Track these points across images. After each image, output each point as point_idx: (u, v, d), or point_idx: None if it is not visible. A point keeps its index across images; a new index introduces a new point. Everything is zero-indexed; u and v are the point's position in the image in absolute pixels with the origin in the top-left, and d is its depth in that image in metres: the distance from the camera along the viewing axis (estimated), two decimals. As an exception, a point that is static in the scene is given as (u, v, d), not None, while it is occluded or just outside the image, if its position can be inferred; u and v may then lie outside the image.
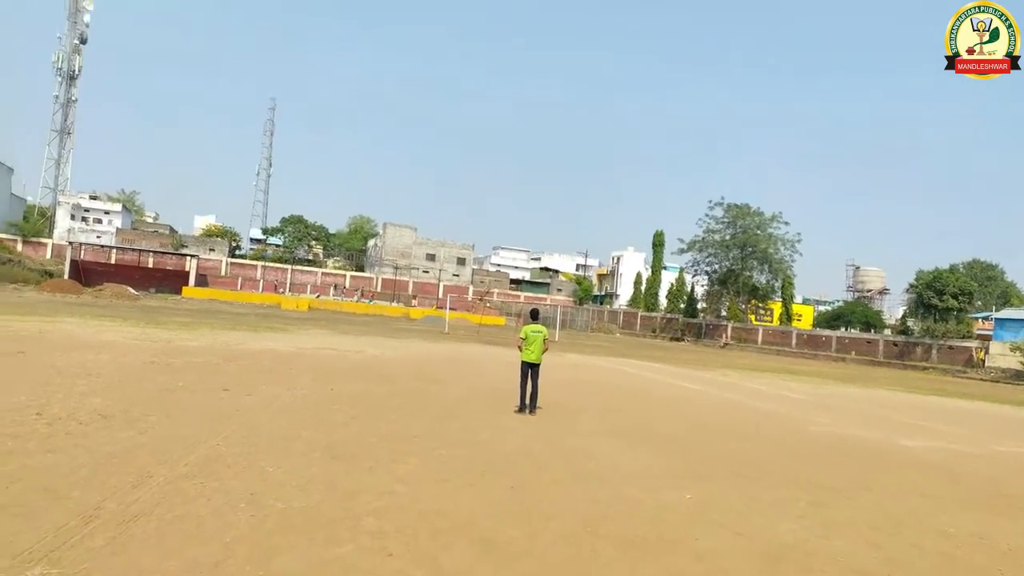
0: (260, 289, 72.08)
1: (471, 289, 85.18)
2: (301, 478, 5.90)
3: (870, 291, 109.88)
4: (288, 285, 74.84)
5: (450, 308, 51.68)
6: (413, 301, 74.22)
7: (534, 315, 11.54)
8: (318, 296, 69.12)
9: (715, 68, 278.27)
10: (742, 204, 66.77)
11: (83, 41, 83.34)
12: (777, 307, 75.84)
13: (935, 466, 9.51)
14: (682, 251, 70.99)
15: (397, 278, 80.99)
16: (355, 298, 71.57)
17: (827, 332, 61.74)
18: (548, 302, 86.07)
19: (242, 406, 9.24)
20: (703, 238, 68.48)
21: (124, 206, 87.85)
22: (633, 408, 13.21)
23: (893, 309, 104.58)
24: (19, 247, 67.85)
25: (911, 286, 58.98)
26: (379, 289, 79.43)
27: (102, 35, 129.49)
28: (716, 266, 69.38)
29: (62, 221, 79.30)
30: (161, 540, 4.22)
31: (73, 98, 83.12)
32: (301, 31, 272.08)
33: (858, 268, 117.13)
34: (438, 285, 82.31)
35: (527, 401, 10.79)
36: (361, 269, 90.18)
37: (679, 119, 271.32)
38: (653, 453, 8.56)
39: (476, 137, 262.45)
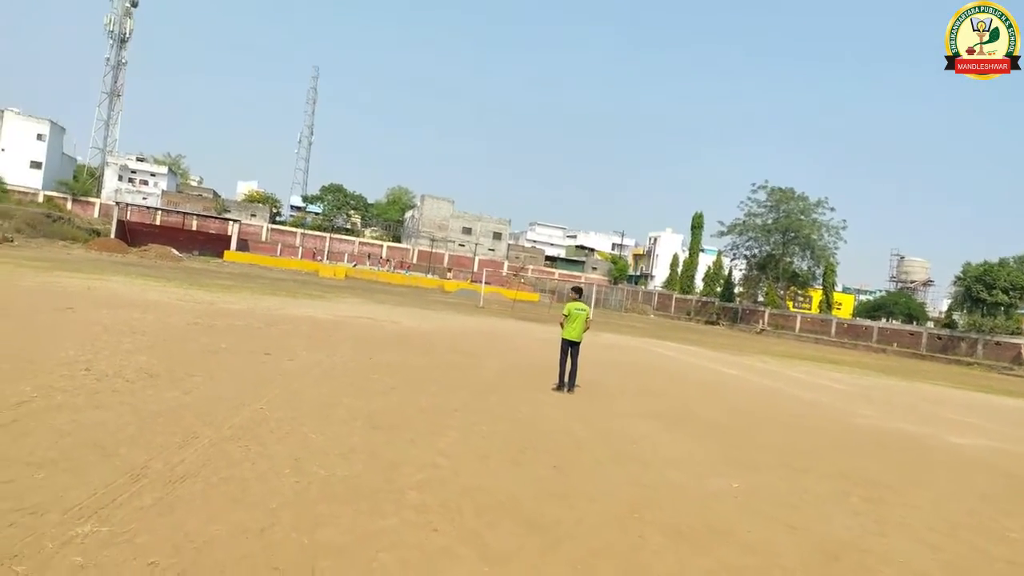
0: (299, 256, 73.06)
1: (506, 264, 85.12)
2: (343, 446, 5.87)
3: (914, 282, 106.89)
4: (326, 253, 75.67)
5: (485, 282, 51.71)
6: (448, 274, 74.44)
7: (578, 292, 11.28)
8: (355, 265, 69.80)
9: (764, 54, 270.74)
10: (786, 188, 65.15)
11: (134, 4, 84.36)
12: (816, 295, 74.23)
13: (989, 466, 9.12)
14: (722, 234, 69.75)
15: (433, 250, 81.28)
16: (388, 268, 72.07)
17: (868, 322, 60.23)
18: (583, 280, 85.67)
19: (284, 371, 9.28)
20: (744, 221, 67.11)
21: (170, 169, 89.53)
22: (671, 391, 12.99)
23: (937, 302, 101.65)
24: (69, 205, 69.75)
25: (959, 278, 57.07)
26: (415, 261, 79.86)
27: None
28: (756, 250, 68.05)
29: (110, 181, 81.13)
30: (207, 502, 4.20)
31: (123, 60, 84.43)
32: (348, 3, 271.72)
33: (902, 258, 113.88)
34: (473, 259, 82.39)
35: (566, 379, 10.63)
36: (398, 240, 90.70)
37: (725, 102, 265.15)
38: (694, 438, 8.36)
39: (517, 113, 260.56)
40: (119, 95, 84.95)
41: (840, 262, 67.46)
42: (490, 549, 4.05)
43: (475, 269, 78.43)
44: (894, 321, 67.48)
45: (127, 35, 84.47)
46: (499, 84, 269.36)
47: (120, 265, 33.35)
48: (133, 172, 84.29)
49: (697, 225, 76.66)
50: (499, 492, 5.19)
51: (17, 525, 3.54)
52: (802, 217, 63.66)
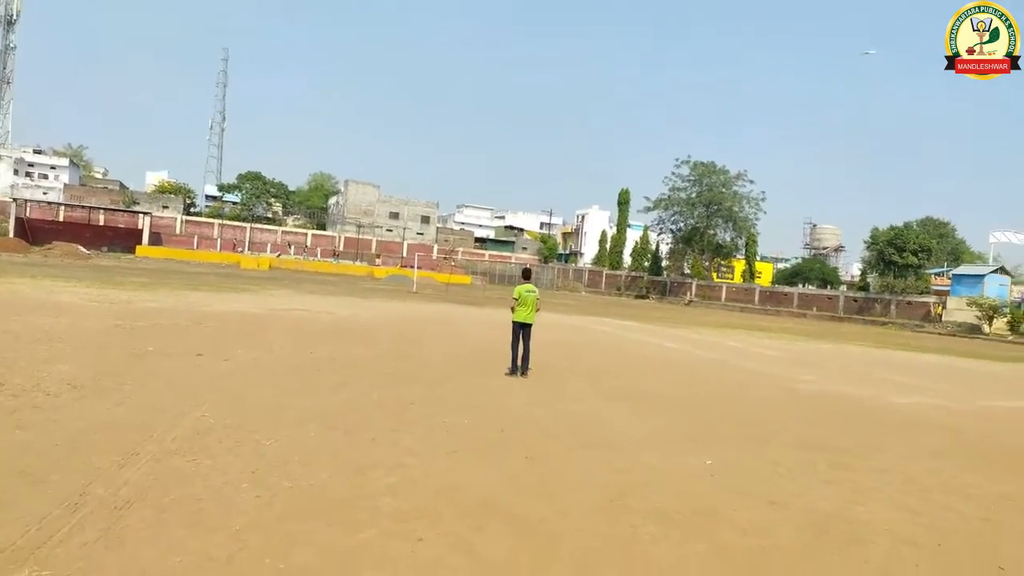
0: (218, 248, 70.00)
1: (436, 248, 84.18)
2: (302, 452, 5.45)
3: (826, 248, 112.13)
4: (247, 244, 72.79)
5: (416, 267, 50.91)
6: (377, 260, 73.03)
7: (526, 275, 11.09)
8: (279, 255, 67.47)
9: (682, 33, 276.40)
10: (708, 162, 66.91)
11: (18, -17, 78.12)
12: (739, 265, 76.91)
13: (934, 424, 9.49)
14: (648, 209, 71.07)
15: (360, 236, 79.42)
16: (297, 255, 70.02)
17: (788, 289, 62.92)
18: (513, 260, 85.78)
19: (221, 372, 8.68)
20: (669, 196, 68.60)
21: (71, 161, 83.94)
22: (620, 369, 13.00)
23: (849, 266, 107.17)
24: (-43, 204, 64.37)
25: (869, 243, 60.21)
26: (342, 248, 77.83)
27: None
28: (681, 224, 69.76)
29: (4, 176, 75.27)
30: (161, 530, 3.75)
31: (11, 44, 78.33)
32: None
33: (815, 226, 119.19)
34: (402, 244, 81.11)
35: (519, 363, 10.43)
36: (323, 227, 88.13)
37: (645, 80, 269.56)
38: (656, 416, 8.32)
39: (439, 92, 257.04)
40: (8, 82, 78.94)
41: (760, 232, 70.02)
42: (483, 557, 3.78)
43: (404, 254, 77.21)
44: (810, 287, 70.71)
45: (15, 16, 78.30)
46: (419, 61, 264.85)
47: (23, 266, 30.96)
48: (31, 166, 78.51)
49: (623, 201, 77.82)
50: (475, 489, 4.92)
51: (-63, 579, 3.03)
52: (724, 190, 65.61)
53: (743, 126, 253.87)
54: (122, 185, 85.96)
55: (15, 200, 61.34)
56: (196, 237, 71.55)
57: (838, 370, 15.87)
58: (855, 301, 55.15)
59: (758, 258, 77.15)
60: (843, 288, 72.57)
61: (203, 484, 4.53)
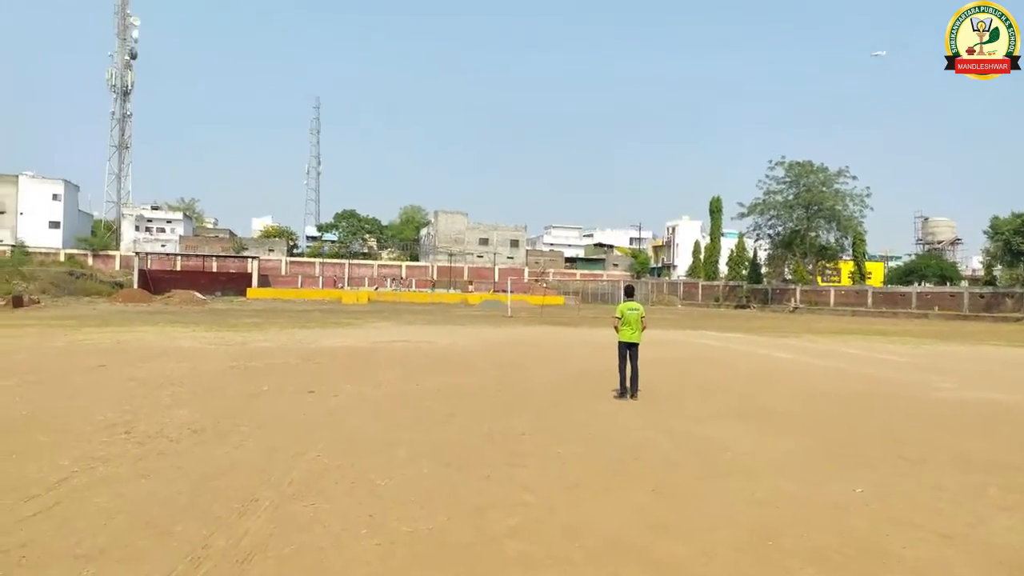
0: (320, 285, 73.03)
1: (526, 271, 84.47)
2: (417, 491, 5.25)
3: (941, 242, 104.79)
4: (346, 279, 75.58)
5: (508, 291, 51.09)
6: (470, 287, 73.98)
7: (629, 292, 10.63)
8: (376, 288, 69.57)
9: (758, 33, 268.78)
10: (804, 161, 63.82)
11: (133, 57, 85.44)
12: (845, 266, 72.74)
13: (1110, 432, 8.28)
14: (742, 215, 68.45)
15: (452, 265, 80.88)
16: (394, 287, 71.73)
17: (904, 288, 58.67)
18: (605, 278, 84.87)
19: (332, 409, 8.72)
20: (764, 200, 65.85)
21: (185, 214, 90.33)
22: (732, 384, 12.24)
23: (968, 260, 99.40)
24: (90, 261, 70.33)
25: (993, 232, 55.42)
26: (435, 277, 79.48)
27: (149, 48, 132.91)
28: (779, 228, 66.69)
29: (127, 233, 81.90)
30: (285, 585, 3.60)
31: (128, 113, 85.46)
32: (331, 29, 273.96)
33: (927, 219, 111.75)
34: (493, 269, 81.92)
35: (627, 384, 9.96)
36: (416, 258, 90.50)
37: (728, 84, 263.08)
38: (784, 436, 7.64)
39: (517, 118, 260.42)
40: (127, 147, 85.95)
41: (867, 231, 65.97)
42: (625, 610, 3.40)
43: (496, 279, 77.95)
44: (928, 284, 65.78)
45: (129, 87, 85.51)
46: (495, 89, 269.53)
47: (147, 315, 33.21)
48: (149, 221, 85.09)
49: (715, 210, 75.45)
50: (603, 529, 4.54)
51: (70, 645, 2.97)
52: (824, 189, 62.29)
53: (834, 123, 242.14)
54: (231, 233, 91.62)
55: (137, 254, 66.45)
56: (300, 276, 75.02)
57: (979, 374, 14.38)
58: (982, 297, 50.69)
59: (867, 258, 72.74)
60: (965, 284, 67.18)
61: (322, 531, 4.39)
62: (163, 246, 78.29)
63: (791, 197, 64.16)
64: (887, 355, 18.51)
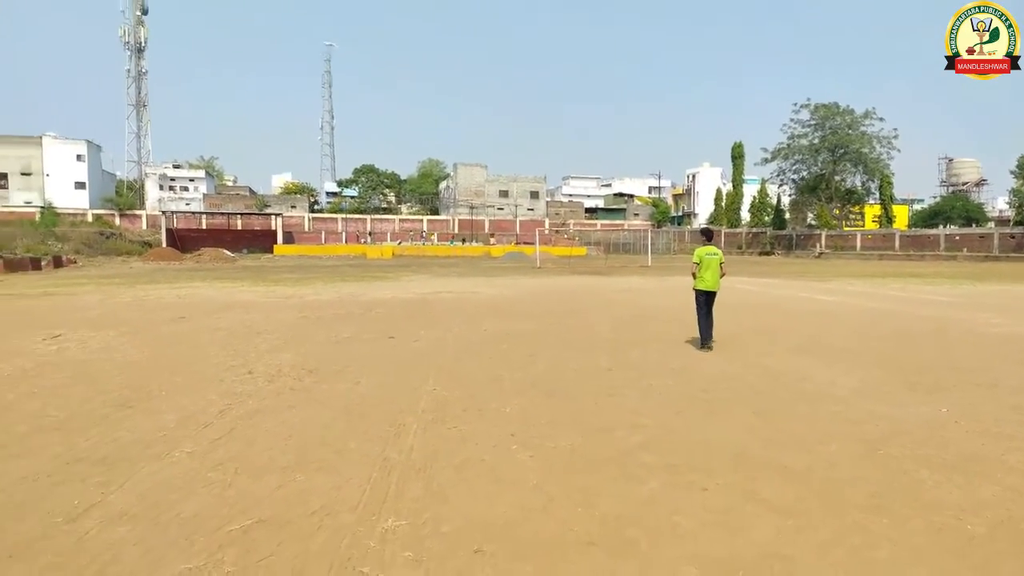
0: (343, 241, 73.60)
1: (547, 222, 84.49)
2: (541, 417, 5.79)
3: (966, 183, 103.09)
4: (368, 234, 76.14)
5: (531, 242, 51.40)
6: (492, 239, 74.33)
7: (707, 235, 10.12)
8: (399, 243, 70.12)
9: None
10: (830, 103, 62.74)
11: (144, 12, 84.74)
12: (869, 211, 72.11)
13: None
14: (765, 161, 67.98)
15: (473, 218, 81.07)
16: (415, 240, 72.23)
17: (933, 231, 58.31)
18: (626, 227, 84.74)
19: (418, 351, 9.28)
20: (788, 144, 65.18)
21: (206, 172, 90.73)
22: (790, 325, 12.66)
23: (994, 200, 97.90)
24: (117, 221, 71.28)
25: (1020, 172, 54.63)
26: (456, 230, 79.82)
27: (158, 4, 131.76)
28: (804, 173, 66.17)
29: (151, 192, 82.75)
30: (471, 486, 4.16)
31: (144, 70, 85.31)
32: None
33: (951, 160, 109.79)
34: (514, 221, 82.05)
35: (708, 334, 9.43)
36: (436, 212, 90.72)
37: (738, 28, 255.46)
38: (857, 368, 8.09)
39: (532, 66, 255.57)
40: (145, 105, 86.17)
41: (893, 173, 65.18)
42: (773, 503, 3.91)
43: (518, 231, 78.20)
44: (953, 227, 65.18)
45: (143, 44, 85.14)
46: (511, 39, 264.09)
47: (185, 272, 34.03)
48: (172, 180, 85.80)
49: (737, 155, 74.79)
50: (725, 444, 5.05)
51: (325, 528, 3.54)
52: (850, 131, 61.42)
53: (852, 64, 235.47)
54: (251, 190, 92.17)
55: (164, 213, 67.27)
56: (323, 232, 75.62)
57: (1025, 311, 14.69)
58: (1012, 238, 50.32)
59: (893, 201, 72.04)
60: (992, 225, 66.49)
61: (476, 447, 4.95)
62: (187, 204, 79.08)
63: (816, 140, 63.44)
64: (928, 295, 18.80)
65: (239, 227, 72.75)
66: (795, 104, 65.03)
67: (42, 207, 65.11)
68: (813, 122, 63.43)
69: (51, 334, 10.62)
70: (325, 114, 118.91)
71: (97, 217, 70.18)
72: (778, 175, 68.45)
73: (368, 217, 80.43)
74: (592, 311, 15.04)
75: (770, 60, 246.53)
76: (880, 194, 65.78)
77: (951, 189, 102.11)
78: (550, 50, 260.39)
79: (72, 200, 72.39)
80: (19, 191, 72.03)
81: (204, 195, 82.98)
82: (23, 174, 72.80)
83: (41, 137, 73.93)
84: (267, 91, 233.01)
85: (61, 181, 73.21)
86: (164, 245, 60.26)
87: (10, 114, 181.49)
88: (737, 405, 6.26)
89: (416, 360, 8.58)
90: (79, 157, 74.95)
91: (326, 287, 21.82)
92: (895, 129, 63.19)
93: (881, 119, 62.06)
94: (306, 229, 76.66)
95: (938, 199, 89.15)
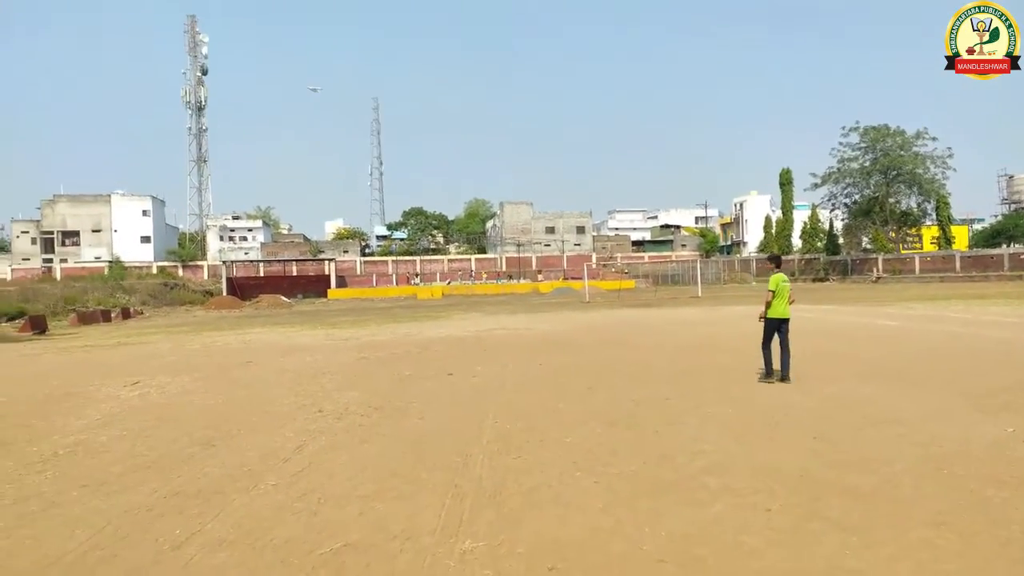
0: (394, 283, 75.10)
1: (594, 256, 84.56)
2: (602, 446, 5.95)
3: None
4: (418, 276, 77.50)
5: (578, 277, 51.53)
6: (539, 276, 74.73)
7: (776, 262, 9.74)
8: (449, 282, 71.14)
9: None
10: (879, 125, 61.67)
11: (204, 72, 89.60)
12: (927, 232, 70.04)
13: None
14: (815, 186, 66.86)
15: (520, 255, 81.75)
16: (471, 280, 73.01)
17: (995, 251, 56.22)
18: (673, 259, 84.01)
19: (478, 386, 9.54)
20: (839, 168, 64.08)
21: (263, 222, 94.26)
22: (850, 351, 12.48)
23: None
24: (180, 272, 74.49)
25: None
26: (503, 268, 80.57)
27: (217, 63, 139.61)
28: (856, 196, 64.82)
29: (212, 243, 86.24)
30: (542, 510, 4.35)
31: (204, 127, 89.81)
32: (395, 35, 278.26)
33: (1011, 177, 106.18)
34: (561, 257, 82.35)
35: (775, 366, 9.08)
36: (483, 251, 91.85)
37: (787, 53, 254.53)
38: (921, 390, 8.01)
39: (575, 103, 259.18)
40: (205, 160, 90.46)
41: (950, 193, 63.31)
42: (839, 522, 3.99)
43: (565, 267, 78.45)
44: (1017, 246, 62.63)
45: (203, 103, 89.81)
46: (554, 77, 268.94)
47: (245, 318, 35.28)
48: (232, 231, 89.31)
49: (786, 182, 73.82)
50: (788, 467, 5.12)
51: (407, 550, 3.78)
52: (902, 152, 60.13)
53: (905, 81, 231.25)
54: (305, 237, 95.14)
55: (224, 263, 69.99)
56: (374, 275, 77.35)
57: (1100, 330, 14.13)
58: (1083, 255, 48.15)
59: (951, 221, 69.82)
60: (1058, 243, 63.74)
61: (543, 474, 5.14)
62: (246, 253, 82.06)
63: (868, 163, 62.27)
64: (993, 316, 18.23)
65: (294, 273, 75.05)
66: (843, 127, 64.21)
67: (110, 261, 68.64)
68: (863, 145, 62.38)
69: (131, 381, 11.27)
70: (374, 160, 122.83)
71: (161, 269, 73.52)
72: (829, 199, 67.27)
73: (417, 258, 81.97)
74: (645, 343, 15.10)
75: (813, 81, 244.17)
76: (937, 215, 63.88)
77: (1013, 207, 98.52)
78: (591, 88, 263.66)
79: (138, 254, 76.12)
80: (90, 247, 76.12)
81: (261, 244, 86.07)
82: (94, 231, 77.02)
83: (110, 195, 78.23)
84: (319, 141, 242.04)
85: (128, 236, 77.14)
86: (224, 294, 62.59)
87: (82, 174, 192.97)
88: (798, 430, 6.30)
89: (476, 395, 8.84)
90: (144, 212, 78.96)
91: (381, 328, 22.38)
92: (949, 148, 61.63)
93: (934, 138, 60.67)
94: (358, 273, 78.51)
95: (999, 217, 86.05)
